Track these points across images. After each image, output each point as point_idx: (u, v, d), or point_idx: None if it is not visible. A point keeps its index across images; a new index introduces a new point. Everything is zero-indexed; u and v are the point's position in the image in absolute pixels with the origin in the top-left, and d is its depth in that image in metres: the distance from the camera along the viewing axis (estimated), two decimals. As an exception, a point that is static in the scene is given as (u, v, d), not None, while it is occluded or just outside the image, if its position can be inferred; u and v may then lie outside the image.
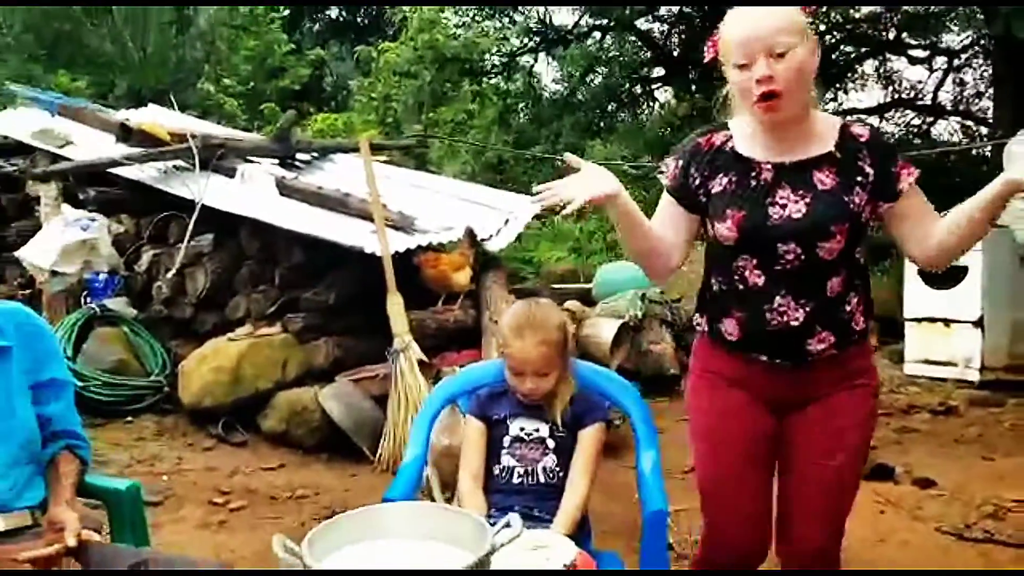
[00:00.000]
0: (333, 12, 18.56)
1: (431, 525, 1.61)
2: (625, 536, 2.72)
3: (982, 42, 11.25)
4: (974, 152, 10.78)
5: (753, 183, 1.92)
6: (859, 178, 1.89)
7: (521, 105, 13.29)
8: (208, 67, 12.10)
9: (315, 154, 6.48)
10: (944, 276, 6.05)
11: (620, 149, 11.52)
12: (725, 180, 1.96)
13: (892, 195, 1.90)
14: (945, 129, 13.10)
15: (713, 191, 1.97)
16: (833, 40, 12.05)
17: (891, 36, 12.04)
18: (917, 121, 13.07)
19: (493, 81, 12.73)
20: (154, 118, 6.59)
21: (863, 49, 12.48)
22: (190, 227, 4.84)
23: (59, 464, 2.00)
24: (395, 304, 4.50)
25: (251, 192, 5.32)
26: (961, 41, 12.08)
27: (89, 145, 5.98)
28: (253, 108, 11.69)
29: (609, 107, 12.99)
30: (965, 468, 4.38)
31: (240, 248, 5.26)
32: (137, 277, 5.43)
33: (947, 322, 6.05)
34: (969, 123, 12.75)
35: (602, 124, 12.75)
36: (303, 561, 1.45)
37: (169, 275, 5.06)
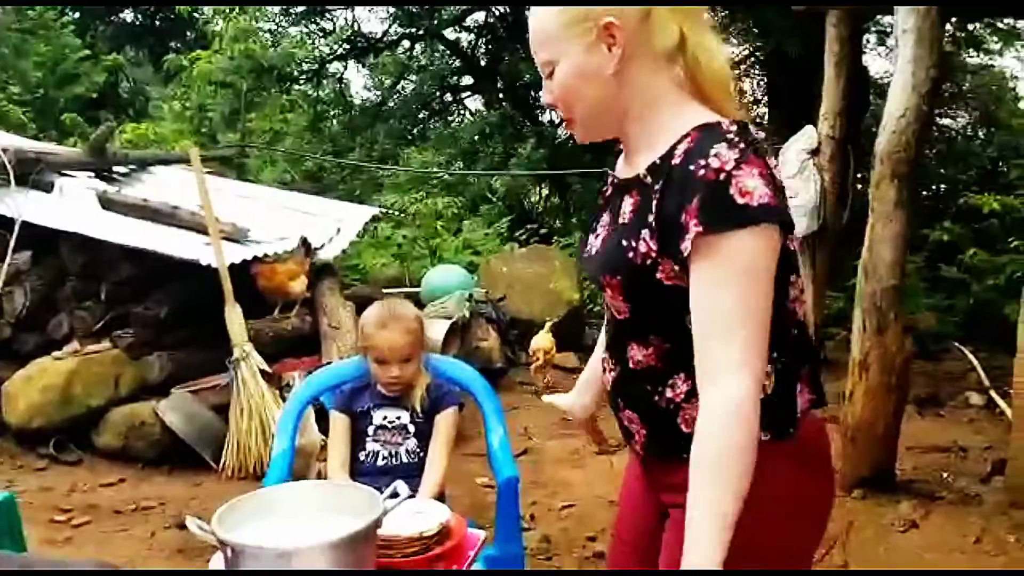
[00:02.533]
0: (128, 15, 17.80)
1: (327, 499, 1.84)
2: (471, 514, 3.02)
3: (757, 54, 12.39)
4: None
5: (600, 200, 1.53)
6: (649, 217, 1.31)
7: (333, 112, 13.35)
8: (-7, 74, 11.41)
9: (133, 166, 6.37)
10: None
11: (435, 157, 11.85)
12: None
13: (675, 252, 1.27)
14: (729, 134, 14.26)
15: None
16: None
17: (679, 48, 12.99)
18: (704, 127, 14.15)
19: (302, 88, 12.71)
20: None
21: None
22: (11, 245, 4.71)
23: None
24: (233, 315, 4.58)
25: (71, 206, 5.21)
26: (740, 53, 13.24)
27: None
28: (44, 117, 11.12)
29: (421, 115, 13.29)
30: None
31: (61, 265, 5.14)
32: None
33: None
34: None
35: (415, 132, 13.03)
36: (216, 535, 1.65)
37: (-12, 296, 4.88)
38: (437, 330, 5.63)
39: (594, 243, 1.46)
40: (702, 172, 1.23)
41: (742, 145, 1.25)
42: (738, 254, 1.22)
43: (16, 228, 4.72)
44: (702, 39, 1.35)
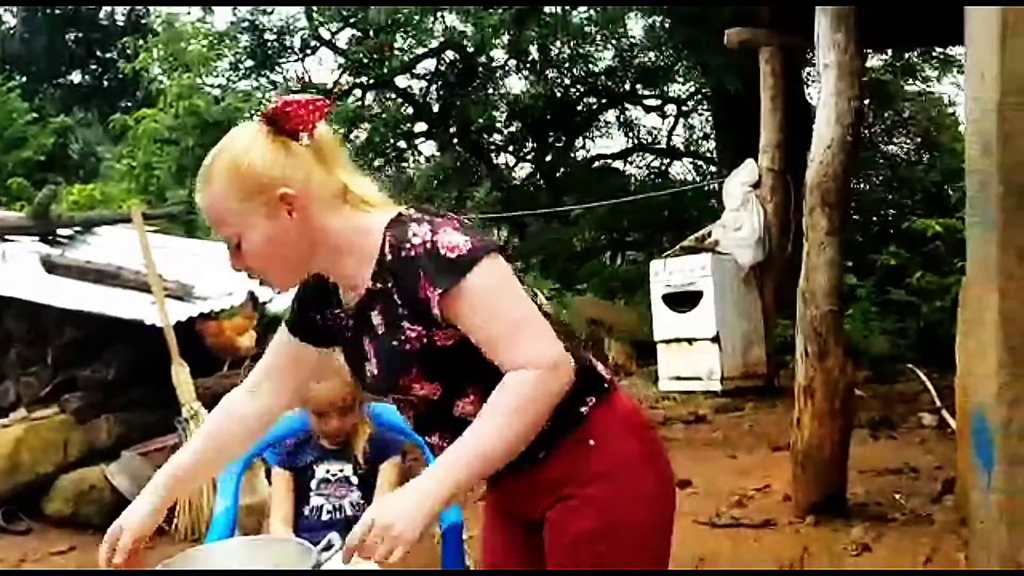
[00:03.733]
0: (76, 77, 17.78)
1: (259, 555, 1.82)
2: (430, 566, 2.99)
3: (703, 91, 12.65)
4: (705, 189, 12.06)
5: (349, 334, 1.60)
6: (399, 310, 1.46)
7: (286, 164, 13.34)
8: (-61, 142, 11.33)
9: (78, 228, 6.32)
10: (684, 299, 6.85)
11: (389, 204, 11.86)
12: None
13: (435, 322, 1.44)
14: (680, 169, 14.51)
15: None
16: (577, 93, 13.12)
17: (627, 87, 13.24)
18: (656, 163, 14.39)
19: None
20: None
21: (603, 100, 13.62)
22: (-49, 314, 4.65)
23: None
24: (180, 374, 4.55)
25: (14, 272, 5.16)
26: (686, 91, 13.51)
27: None
28: (-8, 183, 11.04)
29: (376, 163, 13.35)
30: (714, 467, 5.00)
31: (6, 331, 5.08)
32: None
33: (690, 340, 6.80)
34: (700, 163, 14.20)
35: (371, 179, 13.08)
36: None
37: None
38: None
39: (371, 369, 1.58)
40: (412, 252, 1.42)
41: (426, 217, 1.46)
42: (481, 290, 1.41)
43: (-43, 297, 4.67)
44: (352, 178, 1.53)
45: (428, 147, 14.39)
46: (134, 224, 4.96)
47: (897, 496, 4.25)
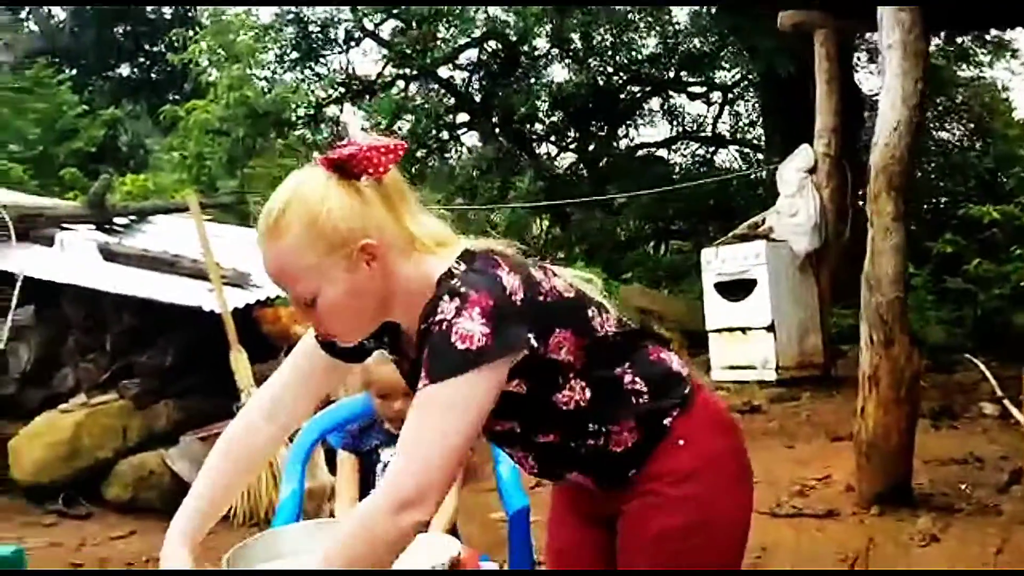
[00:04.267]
0: (124, 70, 18.02)
1: (327, 538, 1.81)
2: (487, 551, 2.98)
3: (750, 77, 12.47)
4: (752, 177, 11.90)
5: (409, 377, 1.58)
6: None
7: (330, 156, 13.39)
8: (-9, 133, 11.55)
9: (132, 217, 6.40)
10: (737, 288, 6.76)
11: (433, 194, 11.89)
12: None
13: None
14: (726, 157, 14.32)
15: None
16: (620, 81, 13.01)
17: (671, 75, 13.10)
18: (701, 152, 14.22)
19: (299, 133, 12.80)
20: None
21: (647, 88, 13.49)
22: (14, 300, 4.72)
23: None
24: (239, 360, 4.58)
25: (73, 259, 5.23)
26: (732, 77, 13.33)
27: None
28: (44, 173, 11.22)
29: (418, 153, 13.36)
30: (772, 457, 4.93)
31: (64, 318, 5.16)
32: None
33: (743, 330, 6.70)
34: (747, 150, 14.00)
35: (413, 171, 13.10)
36: (225, 579, 1.62)
37: (-8, 353, 4.90)
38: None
39: None
40: (432, 328, 1.34)
41: (462, 290, 1.34)
42: (451, 395, 1.32)
43: (18, 284, 4.74)
44: (416, 218, 1.46)
45: (470, 137, 14.39)
46: (191, 212, 5.00)
47: (963, 486, 4.16)
